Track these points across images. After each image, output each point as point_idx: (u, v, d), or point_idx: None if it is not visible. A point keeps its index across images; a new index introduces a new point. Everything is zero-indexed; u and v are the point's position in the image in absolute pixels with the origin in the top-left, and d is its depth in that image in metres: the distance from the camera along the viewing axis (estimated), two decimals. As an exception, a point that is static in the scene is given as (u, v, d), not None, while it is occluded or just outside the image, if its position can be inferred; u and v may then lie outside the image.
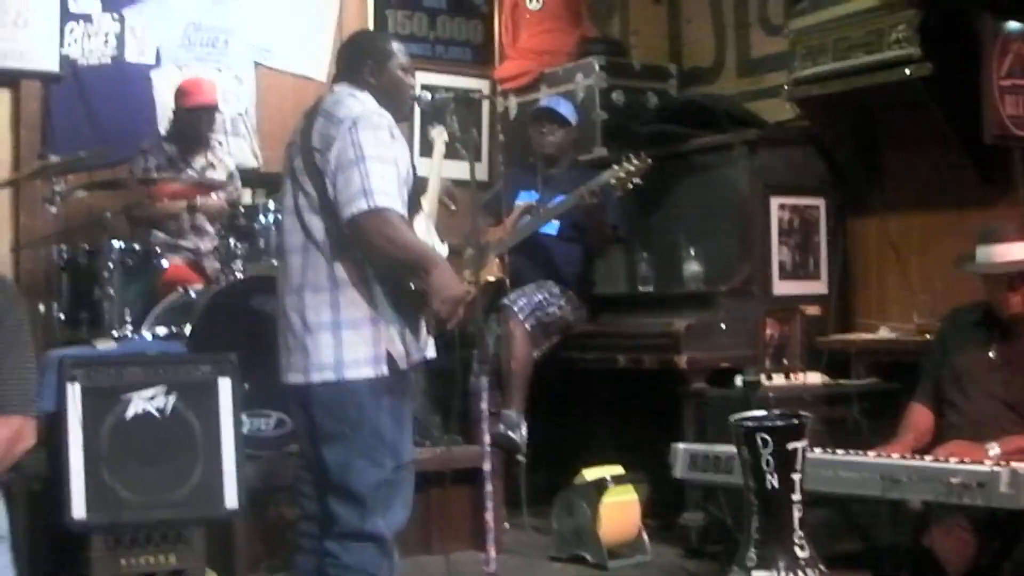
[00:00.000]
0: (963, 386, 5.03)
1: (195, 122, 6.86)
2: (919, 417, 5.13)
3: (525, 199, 7.14)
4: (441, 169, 6.56)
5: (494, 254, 6.95)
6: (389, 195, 4.05)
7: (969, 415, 4.96)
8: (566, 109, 7.26)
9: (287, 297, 4.22)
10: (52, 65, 7.10)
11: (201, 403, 5.21)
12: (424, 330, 4.30)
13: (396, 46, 4.45)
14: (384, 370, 4.14)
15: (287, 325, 4.22)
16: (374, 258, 4.11)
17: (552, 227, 6.96)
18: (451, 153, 6.71)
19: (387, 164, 4.08)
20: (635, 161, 6.58)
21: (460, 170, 5.89)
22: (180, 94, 6.91)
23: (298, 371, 4.18)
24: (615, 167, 6.64)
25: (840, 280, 6.92)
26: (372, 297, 4.14)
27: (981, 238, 5.02)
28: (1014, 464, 4.17)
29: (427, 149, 7.00)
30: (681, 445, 5.18)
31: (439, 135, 6.72)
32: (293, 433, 5.03)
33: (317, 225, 4.15)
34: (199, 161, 6.87)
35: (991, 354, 5.00)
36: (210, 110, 6.94)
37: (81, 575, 5.01)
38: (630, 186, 6.62)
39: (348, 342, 4.11)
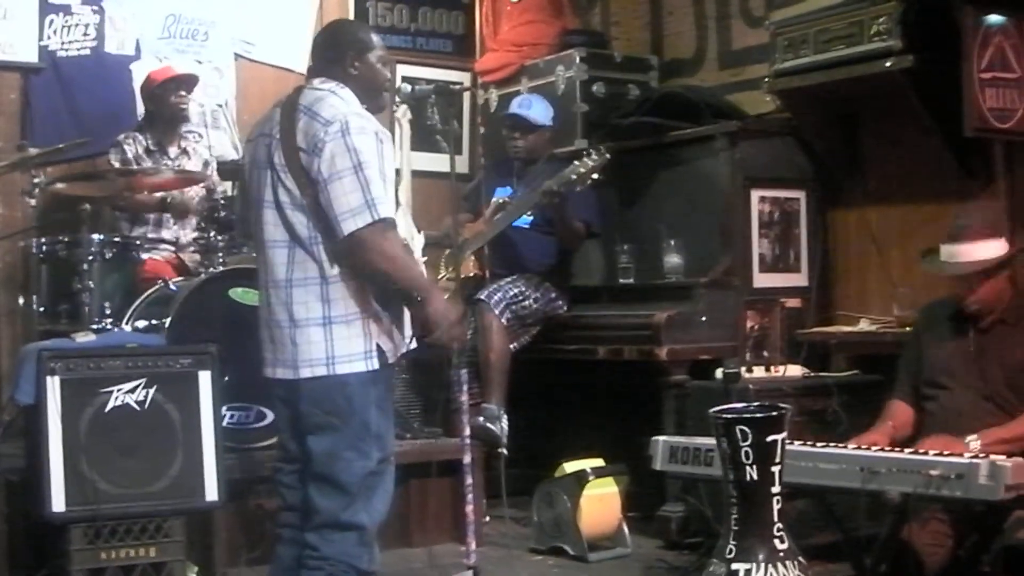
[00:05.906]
0: (941, 379, 5.03)
1: (170, 100, 6.82)
2: (898, 411, 5.14)
3: (501, 195, 7.11)
4: (409, 154, 6.53)
5: (472, 249, 6.93)
6: (387, 205, 4.03)
7: (948, 407, 4.97)
8: (537, 112, 7.18)
9: (272, 291, 4.18)
10: (31, 56, 7.09)
11: (181, 395, 5.21)
12: (408, 322, 4.29)
13: (375, 37, 4.42)
14: (375, 364, 4.14)
15: (272, 320, 4.18)
16: (367, 274, 4.09)
17: (525, 220, 6.95)
18: (431, 146, 6.71)
19: (378, 171, 4.04)
20: (594, 156, 6.57)
21: (440, 163, 5.90)
22: (148, 81, 6.92)
23: (286, 366, 4.16)
24: (575, 163, 6.62)
25: (820, 272, 6.91)
26: (362, 292, 4.11)
27: (948, 235, 5.02)
28: (993, 456, 4.18)
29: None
30: (661, 437, 5.18)
31: (403, 115, 6.67)
32: (272, 426, 5.02)
33: (301, 221, 4.10)
34: (173, 150, 6.85)
35: (968, 346, 5.01)
36: (180, 81, 6.88)
37: (61, 568, 5.00)
38: (590, 181, 6.61)
39: (339, 337, 4.09)
